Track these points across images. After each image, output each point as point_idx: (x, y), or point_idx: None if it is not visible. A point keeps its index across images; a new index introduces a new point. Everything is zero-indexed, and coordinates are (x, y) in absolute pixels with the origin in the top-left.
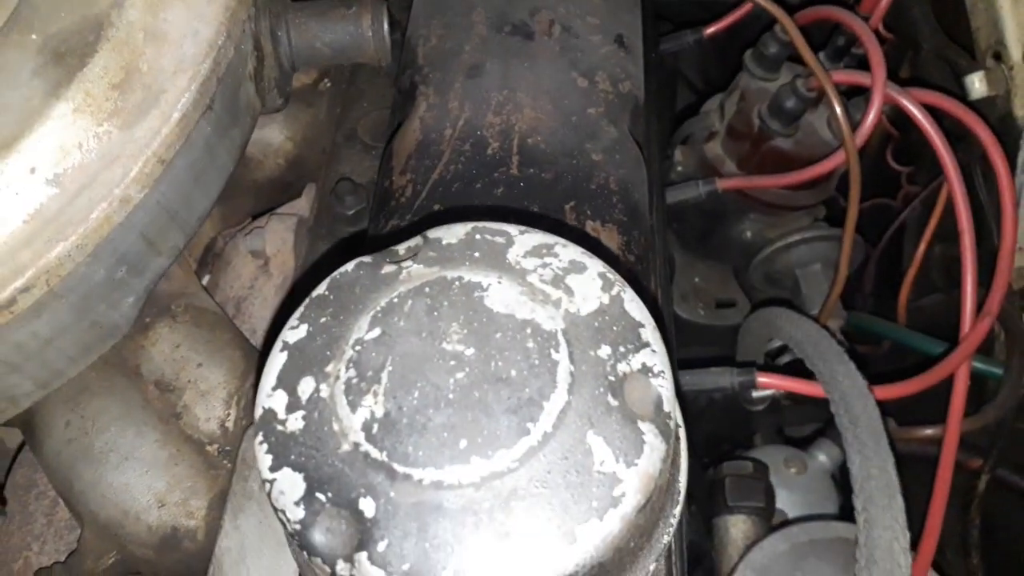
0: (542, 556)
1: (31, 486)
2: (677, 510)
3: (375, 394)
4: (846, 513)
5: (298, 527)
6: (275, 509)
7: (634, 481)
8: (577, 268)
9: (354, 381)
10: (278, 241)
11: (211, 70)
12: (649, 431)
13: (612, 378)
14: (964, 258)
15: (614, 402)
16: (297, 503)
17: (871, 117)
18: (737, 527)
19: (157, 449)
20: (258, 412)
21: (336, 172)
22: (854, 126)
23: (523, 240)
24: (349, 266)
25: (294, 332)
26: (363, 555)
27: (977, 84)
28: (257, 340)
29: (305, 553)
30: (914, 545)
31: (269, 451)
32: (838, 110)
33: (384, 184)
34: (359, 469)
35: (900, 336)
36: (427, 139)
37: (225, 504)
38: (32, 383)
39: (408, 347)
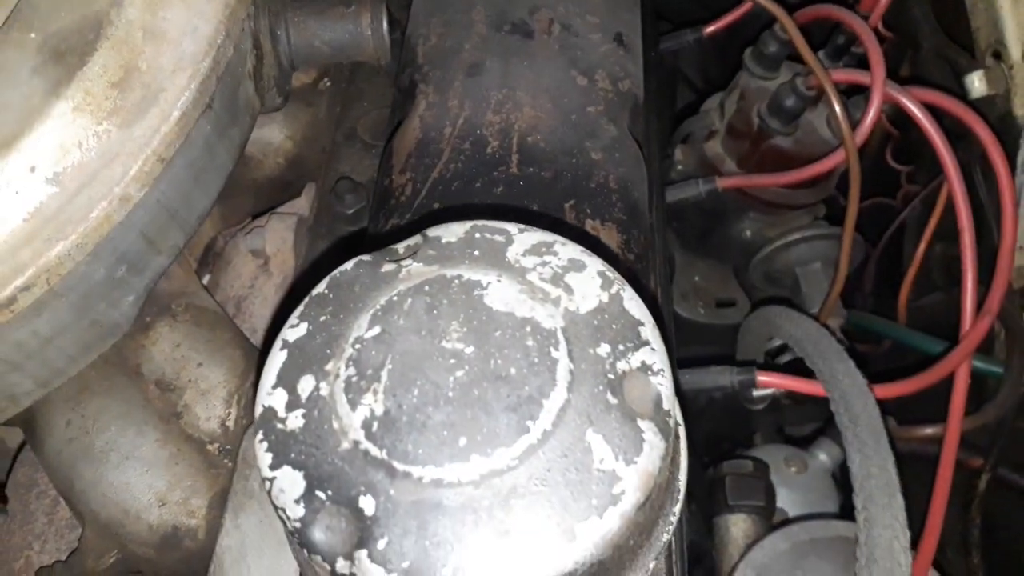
0: (542, 554)
1: (32, 485)
2: (677, 508)
3: (375, 392)
4: (847, 512)
5: (298, 525)
6: (275, 507)
7: (633, 479)
8: (576, 266)
9: (354, 379)
10: (278, 240)
11: (210, 69)
12: (648, 429)
13: (611, 376)
14: (964, 257)
15: (613, 400)
16: (297, 501)
17: (870, 116)
18: (738, 526)
19: (158, 448)
20: (258, 410)
21: (336, 171)
22: (854, 125)
23: (522, 238)
24: (349, 265)
25: (294, 330)
26: (363, 553)
27: (977, 83)
28: (257, 339)
29: (305, 551)
30: (914, 544)
31: (269, 449)
32: (838, 109)
33: (384, 183)
34: (359, 467)
35: (900, 335)
36: (427, 138)
37: (226, 503)
38: (32, 382)
39: (408, 345)
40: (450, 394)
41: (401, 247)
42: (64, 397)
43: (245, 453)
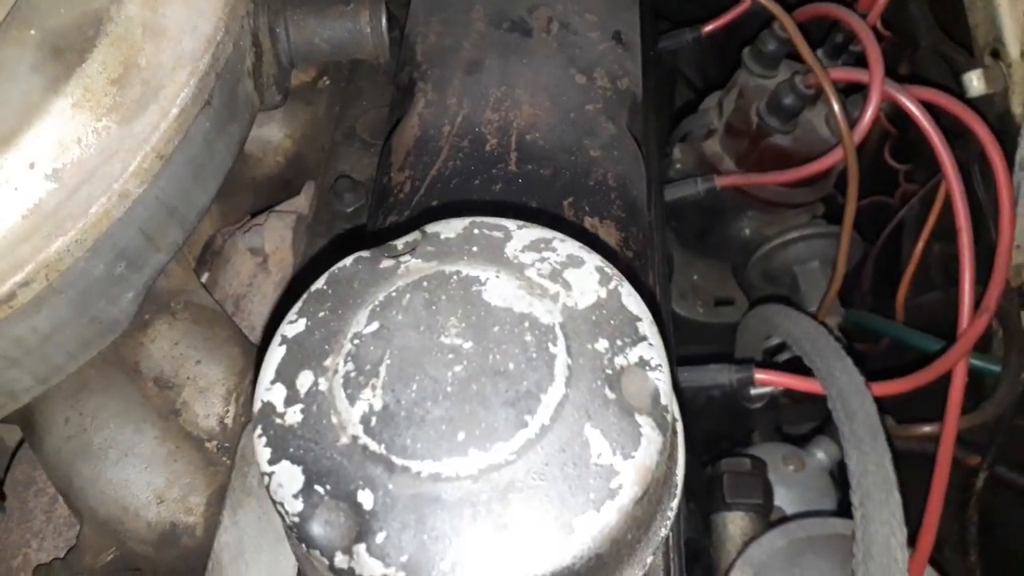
0: (540, 548)
1: (30, 483)
2: (675, 503)
3: (373, 387)
4: (844, 510)
5: (297, 519)
6: (274, 502)
7: (631, 473)
8: (575, 262)
9: (352, 374)
10: (277, 238)
11: (210, 66)
12: (646, 424)
13: (609, 371)
14: (962, 255)
15: (611, 395)
16: (296, 496)
17: (869, 114)
18: (735, 523)
19: (156, 446)
20: (257, 405)
21: (335, 169)
22: (852, 123)
23: (521, 235)
24: (347, 261)
25: (292, 326)
26: (361, 547)
27: (975, 82)
28: (256, 337)
29: (304, 545)
30: (912, 542)
31: (268, 444)
32: (836, 107)
33: (383, 180)
34: (357, 462)
35: (898, 333)
36: (425, 135)
37: (224, 500)
38: (31, 378)
39: (406, 341)
40: (448, 389)
41: (400, 243)
42: (63, 395)
43: (243, 450)
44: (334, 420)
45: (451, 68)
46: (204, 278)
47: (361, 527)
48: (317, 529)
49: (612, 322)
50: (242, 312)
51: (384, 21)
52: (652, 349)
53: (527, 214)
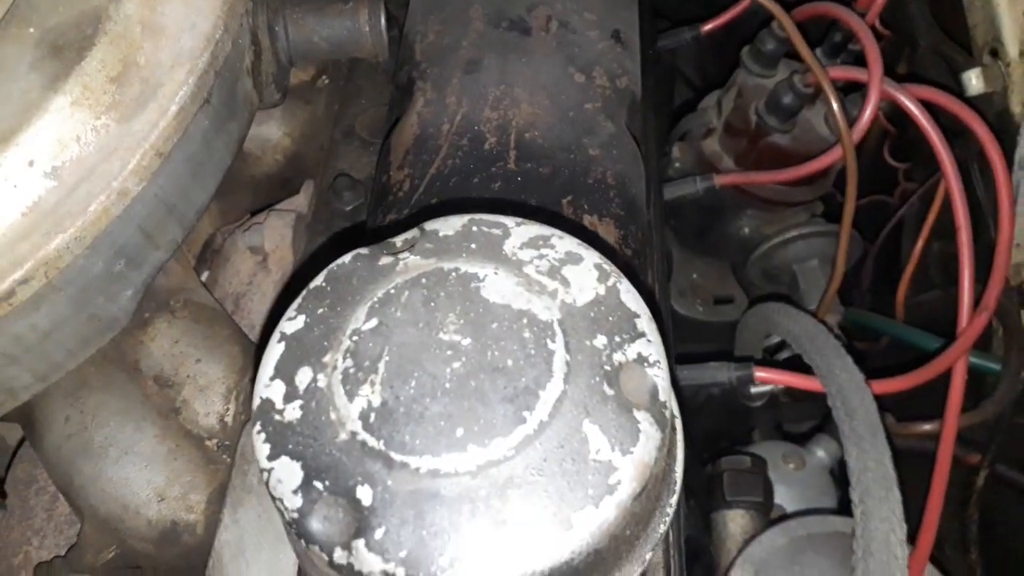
0: (538, 543)
1: (31, 481)
2: (674, 500)
3: (372, 384)
4: (844, 508)
5: (296, 515)
6: (273, 498)
7: (629, 469)
8: (573, 259)
9: (351, 371)
10: (277, 237)
11: (208, 64)
12: (644, 420)
13: (608, 367)
14: (961, 253)
15: (610, 391)
16: (295, 491)
17: (868, 113)
18: (735, 521)
19: (156, 444)
20: (256, 402)
21: (334, 168)
22: (851, 122)
23: (519, 232)
24: (346, 258)
25: (292, 323)
26: (360, 542)
27: (974, 80)
28: (256, 336)
29: (303, 541)
30: (912, 539)
31: (267, 440)
32: (835, 106)
33: (382, 179)
34: (356, 458)
35: (897, 332)
36: (425, 134)
37: (224, 498)
38: (31, 375)
39: (405, 337)
40: (447, 385)
41: (398, 240)
42: (63, 393)
43: (244, 449)
44: (333, 416)
45: (450, 67)
46: (204, 277)
47: (360, 523)
48: (316, 525)
49: (610, 318)
50: (242, 311)
51: (383, 19)
52: (650, 345)
53: (526, 212)
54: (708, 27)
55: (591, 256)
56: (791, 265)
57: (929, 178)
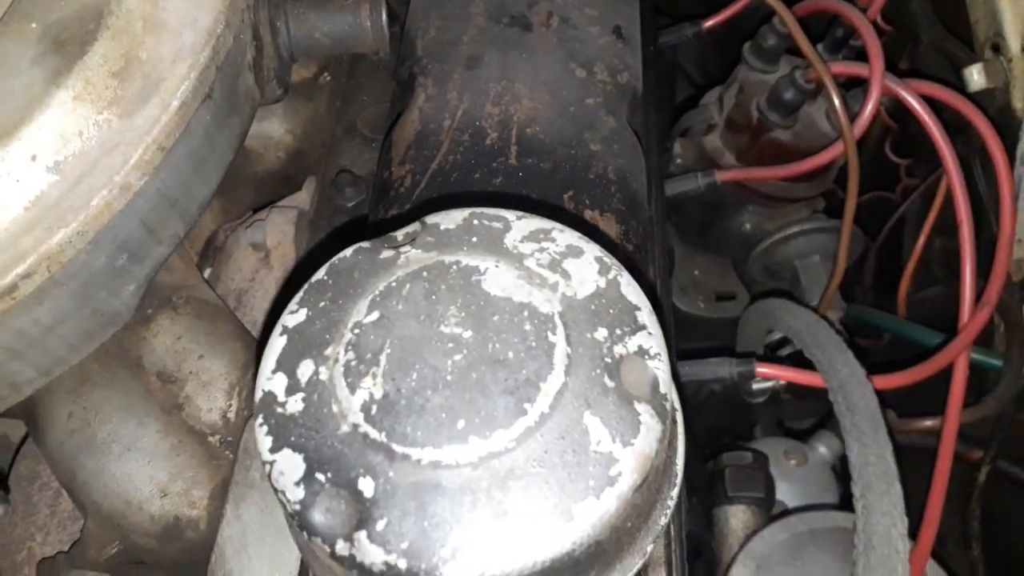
0: (539, 534)
1: (34, 477)
2: (674, 493)
3: (374, 376)
4: (846, 505)
5: (298, 507)
6: (275, 490)
7: (630, 461)
8: (574, 252)
9: (353, 363)
10: (279, 233)
11: (210, 59)
12: (645, 412)
13: (608, 360)
14: (963, 249)
15: (610, 383)
16: (297, 483)
17: (869, 108)
18: (737, 517)
19: (159, 440)
20: (258, 395)
21: (336, 164)
22: (852, 117)
23: (520, 225)
24: (348, 251)
25: (293, 316)
26: (362, 534)
27: (976, 76)
28: (258, 332)
29: (305, 533)
30: (913, 536)
31: (269, 433)
32: (836, 101)
33: (383, 174)
34: (358, 450)
35: (899, 328)
36: (426, 129)
37: (227, 494)
38: (34, 370)
39: (406, 330)
40: (448, 378)
41: (400, 234)
42: (66, 389)
43: (246, 444)
44: (335, 409)
45: (451, 63)
46: (206, 273)
47: (362, 514)
48: (318, 517)
49: (611, 311)
50: (244, 307)
51: (384, 15)
52: (651, 338)
53: (527, 205)
54: (709, 23)
55: (592, 249)
56: (793, 261)
57: (931, 174)
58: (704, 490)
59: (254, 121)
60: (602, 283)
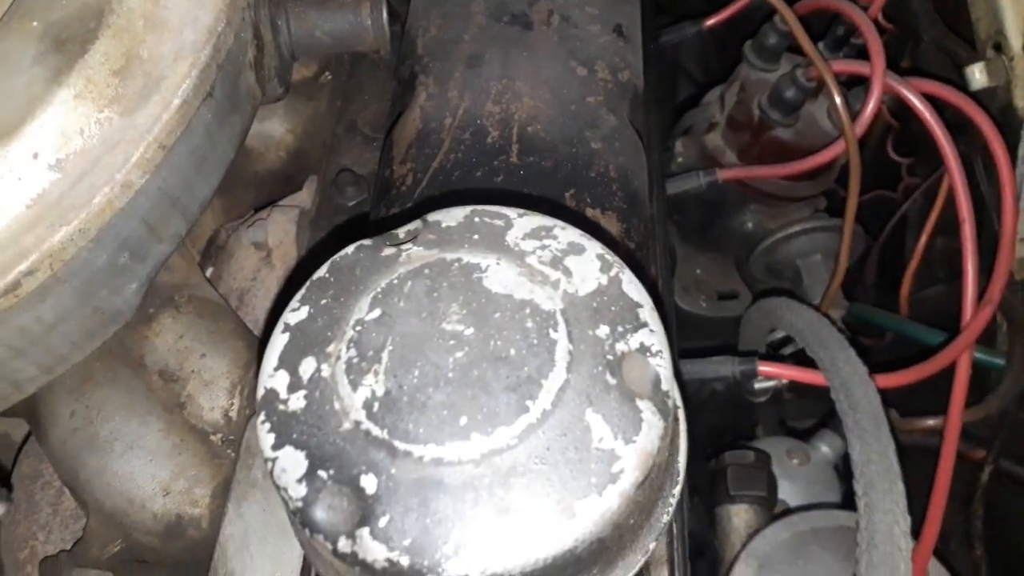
0: (541, 531)
1: (37, 476)
2: (676, 490)
3: (376, 373)
4: (848, 504)
5: (300, 504)
6: (277, 487)
7: (632, 458)
8: (576, 249)
9: (355, 361)
10: (280, 233)
11: (211, 57)
12: (647, 409)
13: (610, 357)
14: (965, 247)
15: (612, 380)
16: (299, 480)
17: (870, 106)
18: (739, 516)
19: (161, 438)
20: (260, 392)
21: (337, 164)
22: (854, 116)
23: (522, 223)
24: (349, 249)
25: (295, 314)
26: (365, 531)
27: (977, 75)
28: (260, 331)
29: (307, 530)
30: (916, 534)
31: (271, 430)
32: (838, 100)
33: (385, 173)
34: (360, 446)
35: (901, 327)
36: (427, 128)
37: (229, 492)
38: (36, 368)
39: (408, 327)
40: (450, 375)
41: (401, 232)
42: (68, 388)
43: (248, 443)
44: (337, 406)
45: (452, 61)
46: (208, 273)
47: (364, 511)
48: (320, 514)
49: (613, 308)
50: (246, 306)
51: (385, 14)
52: (653, 335)
53: (528, 203)
54: (711, 22)
55: (593, 246)
56: (794, 260)
57: (932, 173)
58: (706, 489)
59: (255, 120)
60: (604, 280)
